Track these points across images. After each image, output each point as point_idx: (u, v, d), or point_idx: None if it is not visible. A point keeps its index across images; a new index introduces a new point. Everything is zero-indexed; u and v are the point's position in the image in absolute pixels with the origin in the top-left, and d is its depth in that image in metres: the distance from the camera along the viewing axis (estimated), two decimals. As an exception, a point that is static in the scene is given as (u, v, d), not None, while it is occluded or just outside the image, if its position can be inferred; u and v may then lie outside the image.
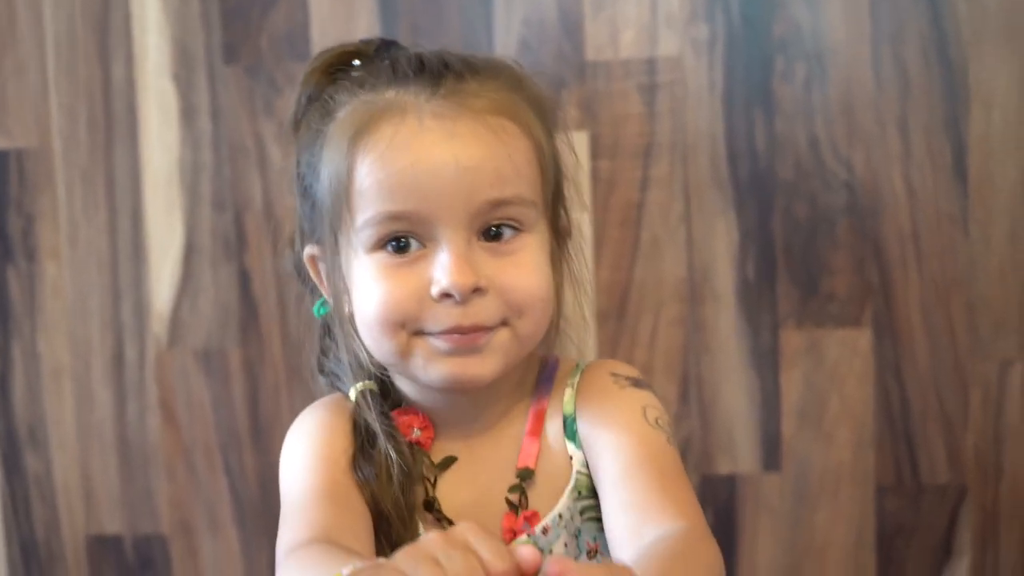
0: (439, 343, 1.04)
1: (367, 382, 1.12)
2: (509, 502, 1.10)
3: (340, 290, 1.09)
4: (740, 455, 1.87)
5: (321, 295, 1.14)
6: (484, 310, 1.03)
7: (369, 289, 1.05)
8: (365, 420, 1.10)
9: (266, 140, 1.88)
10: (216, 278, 1.91)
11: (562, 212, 1.15)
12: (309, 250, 1.13)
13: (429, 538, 0.75)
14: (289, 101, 1.86)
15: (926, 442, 1.84)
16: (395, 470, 1.08)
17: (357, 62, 1.10)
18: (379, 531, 1.07)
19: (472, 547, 0.74)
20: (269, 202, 1.89)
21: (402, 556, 0.75)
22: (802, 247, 1.83)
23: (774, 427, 1.86)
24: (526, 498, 1.10)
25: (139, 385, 1.95)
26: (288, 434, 1.14)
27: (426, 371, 1.05)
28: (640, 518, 1.01)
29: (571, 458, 1.11)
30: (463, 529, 0.75)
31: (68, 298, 1.94)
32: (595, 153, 1.84)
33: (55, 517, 1.98)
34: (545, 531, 1.10)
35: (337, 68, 1.11)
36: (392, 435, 1.10)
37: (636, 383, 1.13)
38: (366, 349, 1.09)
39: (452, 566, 0.73)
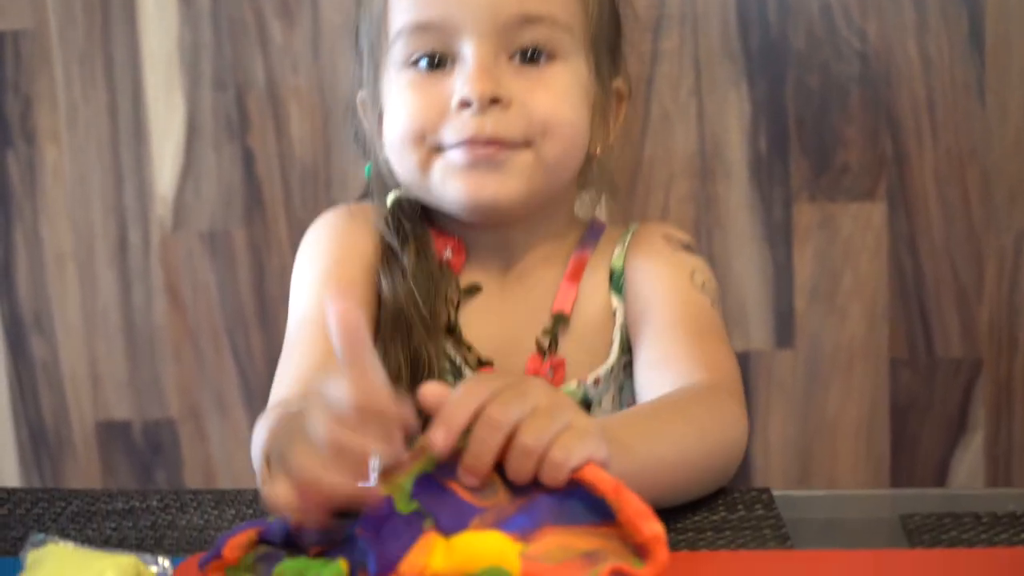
0: (456, 156, 1.02)
1: (406, 191, 1.11)
2: (539, 344, 1.08)
3: (375, 126, 1.09)
4: (752, 332, 1.85)
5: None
6: (504, 123, 1.01)
7: (396, 106, 1.05)
8: (397, 225, 1.08)
9: (266, 15, 1.84)
10: (219, 159, 1.88)
11: (620, 72, 1.13)
12: (360, 96, 1.13)
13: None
14: (289, -26, 1.84)
15: (940, 316, 1.83)
16: (421, 277, 1.07)
17: None
18: (400, 342, 1.05)
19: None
20: (271, 80, 1.85)
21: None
22: (815, 119, 1.80)
23: (787, 303, 1.85)
24: (556, 344, 1.08)
25: (144, 269, 1.92)
26: (303, 241, 1.13)
27: (444, 188, 1.04)
28: (666, 370, 1.00)
29: (615, 312, 1.09)
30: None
31: (69, 181, 1.92)
32: (603, 26, 1.80)
33: (63, 403, 1.97)
34: (596, 383, 1.08)
35: None
36: (424, 243, 1.08)
37: (688, 247, 1.12)
38: (395, 176, 1.09)
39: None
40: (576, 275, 1.11)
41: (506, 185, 1.02)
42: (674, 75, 1.80)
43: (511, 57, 1.03)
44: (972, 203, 1.79)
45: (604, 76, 1.10)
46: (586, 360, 1.08)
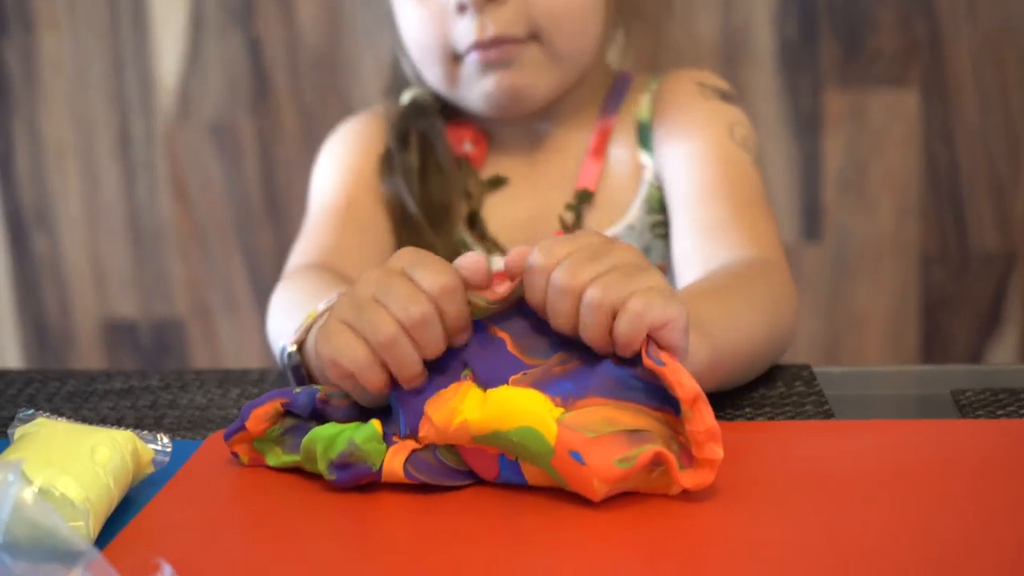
0: (471, 62, 0.99)
1: (424, 90, 1.08)
2: (562, 220, 1.03)
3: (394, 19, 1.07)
4: (779, 225, 1.78)
5: None
6: (503, 21, 0.98)
7: (402, 18, 1.03)
8: (404, 127, 1.07)
9: None
10: (224, 47, 1.81)
11: None
12: None
13: (366, 277, 0.68)
14: None
15: (974, 208, 1.76)
16: (430, 175, 1.05)
17: None
18: (412, 243, 1.01)
19: (407, 273, 0.67)
20: (277, -38, 1.78)
21: (342, 303, 0.69)
22: (846, 1, 1.72)
23: (814, 196, 1.78)
24: (580, 219, 1.03)
25: (147, 162, 1.86)
26: (323, 147, 1.12)
27: (472, 94, 1.01)
28: (711, 239, 0.94)
29: (643, 168, 1.04)
30: (398, 256, 0.69)
31: (69, 72, 1.85)
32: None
33: (67, 300, 1.92)
34: None
35: None
36: (435, 140, 1.06)
37: (725, 96, 1.05)
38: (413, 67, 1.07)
39: (391, 300, 0.66)
40: (600, 148, 1.05)
41: (523, 80, 0.99)
42: (698, -44, 1.73)
43: None
44: (1010, 88, 1.72)
45: None
46: (621, 219, 1.03)
